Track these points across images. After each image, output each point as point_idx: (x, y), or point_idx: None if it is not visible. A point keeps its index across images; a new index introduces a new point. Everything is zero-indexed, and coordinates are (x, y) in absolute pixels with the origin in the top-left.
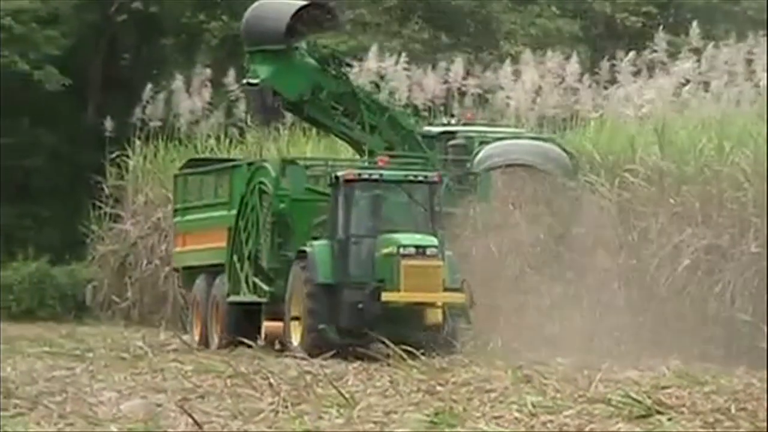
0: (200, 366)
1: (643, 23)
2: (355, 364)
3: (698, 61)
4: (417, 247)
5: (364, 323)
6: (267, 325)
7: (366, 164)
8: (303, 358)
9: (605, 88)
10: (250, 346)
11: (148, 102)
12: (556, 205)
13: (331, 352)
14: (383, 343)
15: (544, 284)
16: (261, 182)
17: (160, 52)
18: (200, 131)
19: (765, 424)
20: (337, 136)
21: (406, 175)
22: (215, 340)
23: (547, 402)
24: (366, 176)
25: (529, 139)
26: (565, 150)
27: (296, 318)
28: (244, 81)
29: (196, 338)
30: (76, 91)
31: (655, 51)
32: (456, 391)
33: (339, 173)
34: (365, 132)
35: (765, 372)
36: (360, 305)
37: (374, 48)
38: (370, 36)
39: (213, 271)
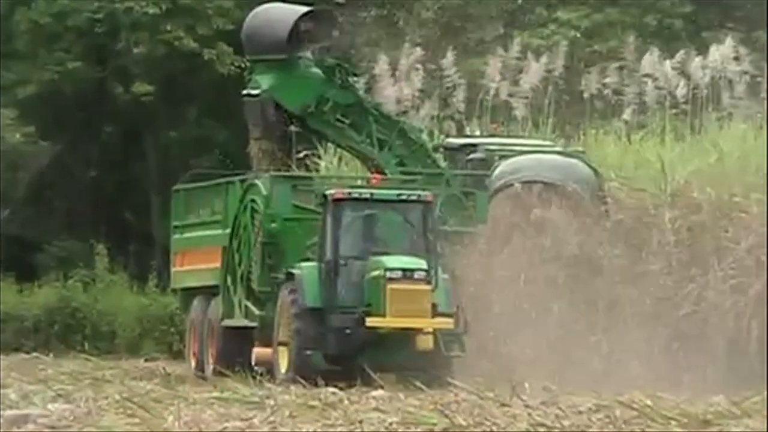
0: (408, 416)
1: None
2: (600, 415)
3: None
4: (404, 270)
5: (352, 349)
6: (257, 351)
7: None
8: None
9: None
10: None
11: None
12: (574, 227)
13: None
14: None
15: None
16: (252, 200)
17: (359, 28)
18: None
19: None
20: (344, 150)
21: (398, 194)
22: (210, 366)
23: None
24: (356, 195)
25: (554, 154)
26: (591, 167)
27: (284, 344)
28: (244, 92)
29: (193, 364)
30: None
31: None
32: None
33: (327, 191)
34: (374, 147)
35: None
36: (347, 331)
37: None
38: (621, 10)
39: (209, 292)
